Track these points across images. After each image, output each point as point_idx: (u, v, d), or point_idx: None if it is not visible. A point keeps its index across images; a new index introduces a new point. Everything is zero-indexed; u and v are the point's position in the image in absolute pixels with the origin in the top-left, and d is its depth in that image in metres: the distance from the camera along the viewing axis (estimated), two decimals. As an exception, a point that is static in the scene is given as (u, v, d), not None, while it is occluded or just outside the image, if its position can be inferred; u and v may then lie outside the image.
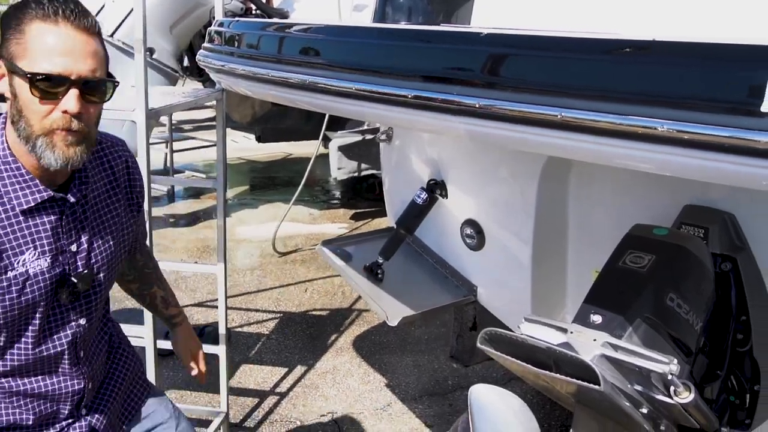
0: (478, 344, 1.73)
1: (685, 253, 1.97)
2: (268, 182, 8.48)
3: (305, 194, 7.48)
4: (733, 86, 1.16)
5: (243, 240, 6.39)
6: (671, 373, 1.71)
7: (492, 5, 2.88)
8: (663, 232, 2.04)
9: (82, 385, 1.74)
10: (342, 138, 6.22)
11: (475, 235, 2.77)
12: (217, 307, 3.35)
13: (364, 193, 7.50)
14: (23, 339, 1.58)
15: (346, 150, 6.25)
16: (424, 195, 2.81)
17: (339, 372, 4.17)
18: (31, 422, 1.68)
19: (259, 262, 5.86)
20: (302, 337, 4.60)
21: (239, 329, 4.65)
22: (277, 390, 3.96)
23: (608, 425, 1.88)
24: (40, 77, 1.41)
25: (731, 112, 1.16)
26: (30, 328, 1.58)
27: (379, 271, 2.88)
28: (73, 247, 1.63)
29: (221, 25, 2.64)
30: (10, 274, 1.51)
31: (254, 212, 7.23)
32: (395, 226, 2.94)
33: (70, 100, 1.43)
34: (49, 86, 1.42)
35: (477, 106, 1.50)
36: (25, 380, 1.65)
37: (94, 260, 1.67)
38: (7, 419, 1.66)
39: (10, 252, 1.50)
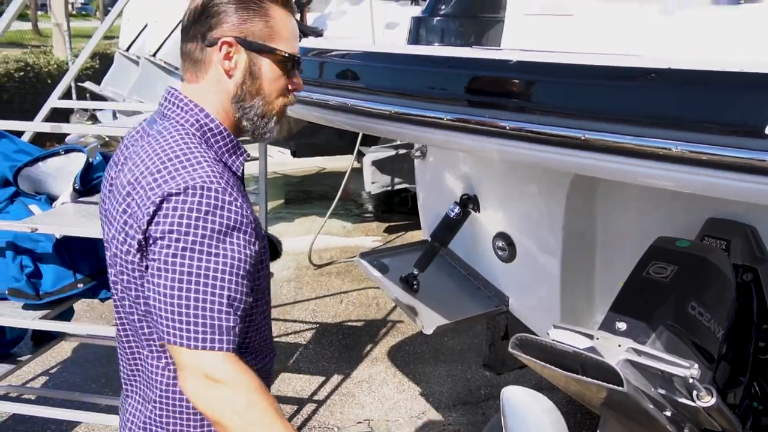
0: (510, 349, 1.85)
1: (707, 263, 2.08)
2: (303, 196, 8.65)
3: (339, 208, 7.63)
4: (739, 110, 1.28)
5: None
6: (692, 377, 1.81)
7: (520, 29, 3.01)
8: (685, 244, 2.14)
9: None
10: (375, 153, 6.37)
11: (506, 247, 2.89)
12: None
13: (397, 207, 7.63)
14: (263, 299, 1.61)
15: (380, 165, 6.40)
16: (457, 209, 2.94)
17: (374, 381, 4.29)
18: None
19: (296, 274, 6.02)
20: (338, 347, 4.73)
21: (277, 339, 4.80)
22: (315, 398, 4.10)
23: (633, 428, 1.99)
24: (296, 58, 1.52)
25: (738, 133, 1.28)
26: (265, 284, 1.61)
27: (414, 282, 3.00)
28: None
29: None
30: (261, 233, 1.53)
31: (290, 225, 7.40)
32: (429, 239, 3.06)
33: (300, 79, 1.56)
34: (293, 66, 1.53)
35: (507, 128, 1.63)
36: (263, 336, 1.65)
37: None
38: None
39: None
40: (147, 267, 1.40)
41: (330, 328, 5.02)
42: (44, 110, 3.42)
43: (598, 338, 1.89)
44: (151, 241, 1.38)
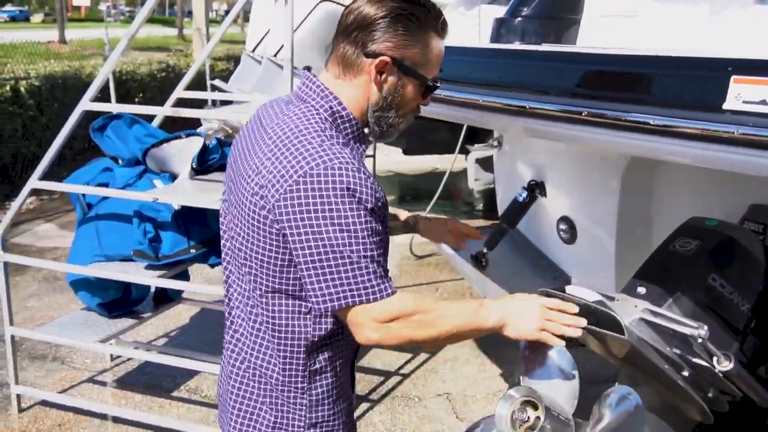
0: (533, 302, 2.10)
1: (731, 241, 2.25)
2: (414, 193, 9.00)
3: (446, 205, 7.93)
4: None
5: (385, 243, 6.92)
6: (700, 337, 2.00)
7: (595, 29, 3.24)
8: (714, 223, 2.32)
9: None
10: (479, 151, 6.61)
11: (568, 230, 3.12)
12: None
13: (502, 205, 7.81)
14: None
15: (483, 162, 6.64)
16: (524, 194, 3.19)
17: (458, 360, 4.57)
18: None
19: (398, 264, 6.37)
20: (429, 329, 5.03)
21: (373, 319, 5.15)
22: (401, 371, 4.42)
23: (651, 384, 2.18)
24: (434, 84, 1.64)
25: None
26: None
27: (483, 260, 3.28)
28: None
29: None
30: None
31: (398, 220, 7.75)
32: (500, 221, 3.33)
33: (429, 100, 1.69)
34: (431, 90, 1.66)
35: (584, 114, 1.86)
36: None
37: None
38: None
39: None
40: (283, 236, 1.53)
41: None
42: (171, 99, 3.91)
43: (617, 300, 2.12)
44: (290, 216, 1.50)
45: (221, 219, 1.77)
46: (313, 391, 1.72)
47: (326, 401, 1.74)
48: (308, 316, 1.65)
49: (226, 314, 1.82)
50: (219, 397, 1.88)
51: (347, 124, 1.63)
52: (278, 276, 1.61)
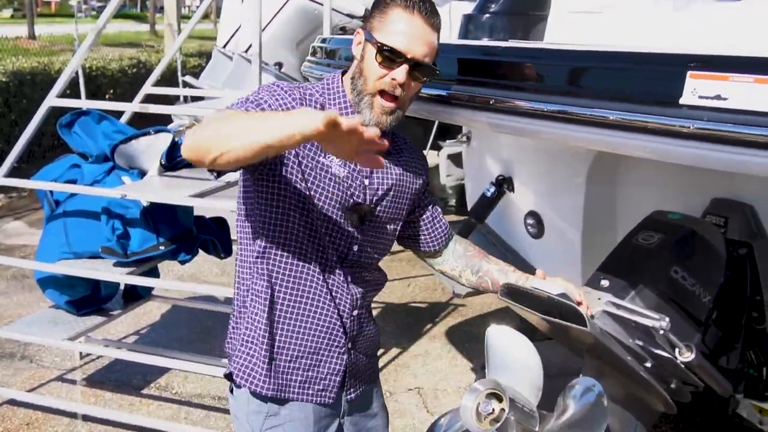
0: (499, 296, 2.13)
1: (693, 234, 2.28)
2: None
3: (419, 201, 7.96)
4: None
5: (357, 239, 6.94)
6: (662, 329, 2.03)
7: (562, 25, 3.27)
8: (677, 216, 2.36)
9: (347, 313, 1.93)
10: (451, 147, 6.65)
11: (536, 224, 3.15)
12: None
13: (474, 201, 7.84)
14: (306, 233, 1.84)
15: (455, 158, 6.67)
16: (492, 189, 3.22)
17: (430, 355, 4.59)
18: (312, 336, 1.93)
19: (370, 259, 6.38)
20: (400, 325, 5.06)
21: (345, 315, 5.16)
22: (373, 366, 4.43)
23: (615, 375, 2.22)
24: (386, 48, 1.75)
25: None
26: (317, 225, 1.84)
27: (452, 255, 3.29)
28: (366, 181, 1.87)
29: (323, 41, 3.17)
30: (321, 159, 1.79)
31: (371, 216, 7.77)
32: (468, 216, 3.36)
33: (400, 72, 1.76)
34: (389, 56, 1.75)
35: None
36: (306, 281, 1.87)
37: (378, 208, 1.92)
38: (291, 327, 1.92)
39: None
40: None
41: (395, 308, 5.35)
42: (140, 95, 3.89)
43: (581, 293, 2.14)
44: None
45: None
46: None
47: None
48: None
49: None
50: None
51: (335, 93, 1.90)
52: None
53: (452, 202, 8.36)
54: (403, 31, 1.76)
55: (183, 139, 1.68)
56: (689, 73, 1.50)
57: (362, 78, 1.81)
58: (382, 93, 1.79)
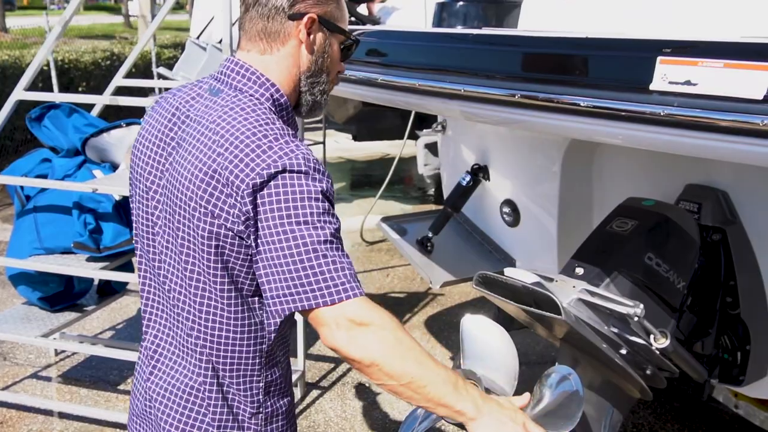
0: (473, 285, 2.12)
1: (666, 220, 2.29)
2: (364, 180, 8.99)
3: (398, 191, 7.96)
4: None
5: (335, 230, 6.91)
6: (636, 316, 2.03)
7: (536, 12, 3.25)
8: (650, 203, 2.36)
9: None
10: (428, 136, 6.62)
11: (511, 213, 3.14)
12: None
13: (453, 190, 7.85)
14: None
15: (432, 147, 6.65)
16: (468, 177, 3.20)
17: (409, 345, 4.58)
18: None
19: (348, 250, 6.34)
20: (379, 315, 5.04)
21: (324, 306, 5.15)
22: (352, 358, 4.42)
23: (591, 363, 2.22)
24: (356, 43, 1.62)
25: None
26: None
27: (428, 244, 3.28)
28: None
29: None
30: None
31: (349, 206, 7.76)
32: (444, 205, 3.34)
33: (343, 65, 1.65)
34: (349, 48, 1.63)
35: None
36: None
37: None
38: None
39: None
40: (244, 238, 1.42)
41: (373, 299, 5.13)
42: (110, 87, 3.84)
43: (556, 281, 2.14)
44: (258, 216, 1.39)
45: (147, 210, 1.60)
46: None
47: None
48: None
49: None
50: None
51: (284, 112, 1.56)
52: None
53: (430, 191, 8.37)
54: (346, 16, 1.62)
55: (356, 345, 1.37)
56: (659, 58, 1.49)
57: (326, 76, 1.60)
58: None
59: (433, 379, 1.41)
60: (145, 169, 1.58)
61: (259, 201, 1.39)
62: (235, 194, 1.40)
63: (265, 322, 1.55)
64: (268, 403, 1.67)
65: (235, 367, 1.60)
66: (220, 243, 1.45)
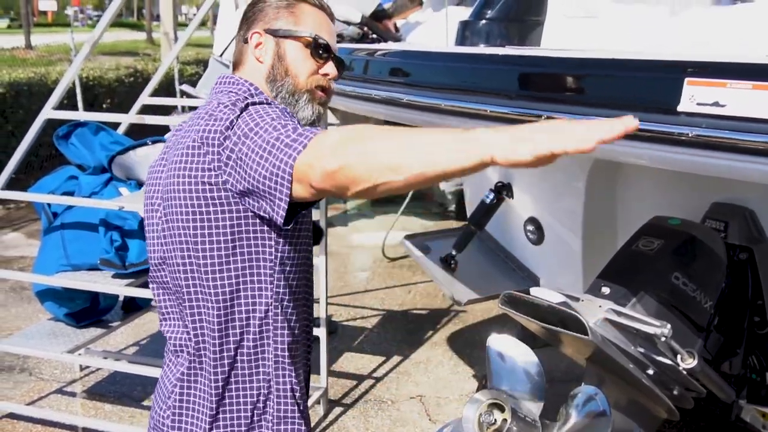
0: (499, 305, 2.12)
1: (693, 239, 2.28)
2: (387, 197, 8.99)
3: (419, 207, 7.97)
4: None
5: (357, 246, 6.93)
6: (664, 336, 2.02)
7: (558, 31, 3.26)
8: (676, 222, 2.35)
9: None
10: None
11: (536, 231, 3.14)
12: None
13: (474, 206, 7.84)
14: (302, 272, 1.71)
15: (454, 164, 6.66)
16: (491, 195, 3.20)
17: (431, 362, 4.58)
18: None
19: (370, 266, 6.37)
20: (401, 332, 5.04)
21: (346, 323, 5.16)
22: (374, 375, 4.42)
23: (617, 383, 2.20)
24: (321, 41, 1.68)
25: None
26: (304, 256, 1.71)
27: (452, 262, 3.28)
28: None
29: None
30: None
31: (370, 222, 7.78)
32: (468, 223, 3.34)
33: (331, 67, 1.72)
34: (321, 51, 1.69)
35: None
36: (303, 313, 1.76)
37: None
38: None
39: None
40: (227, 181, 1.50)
41: (395, 315, 5.34)
42: (136, 106, 3.88)
43: (582, 300, 2.13)
44: (231, 144, 1.48)
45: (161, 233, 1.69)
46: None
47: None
48: None
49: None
50: None
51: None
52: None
53: (452, 207, 8.36)
54: (322, 26, 1.72)
55: (299, 158, 1.36)
56: (687, 79, 1.50)
57: (289, 77, 1.70)
58: (317, 88, 1.73)
59: (431, 136, 1.31)
60: (150, 183, 1.74)
61: (230, 133, 1.49)
62: (211, 147, 1.51)
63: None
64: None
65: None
66: (210, 210, 1.55)
